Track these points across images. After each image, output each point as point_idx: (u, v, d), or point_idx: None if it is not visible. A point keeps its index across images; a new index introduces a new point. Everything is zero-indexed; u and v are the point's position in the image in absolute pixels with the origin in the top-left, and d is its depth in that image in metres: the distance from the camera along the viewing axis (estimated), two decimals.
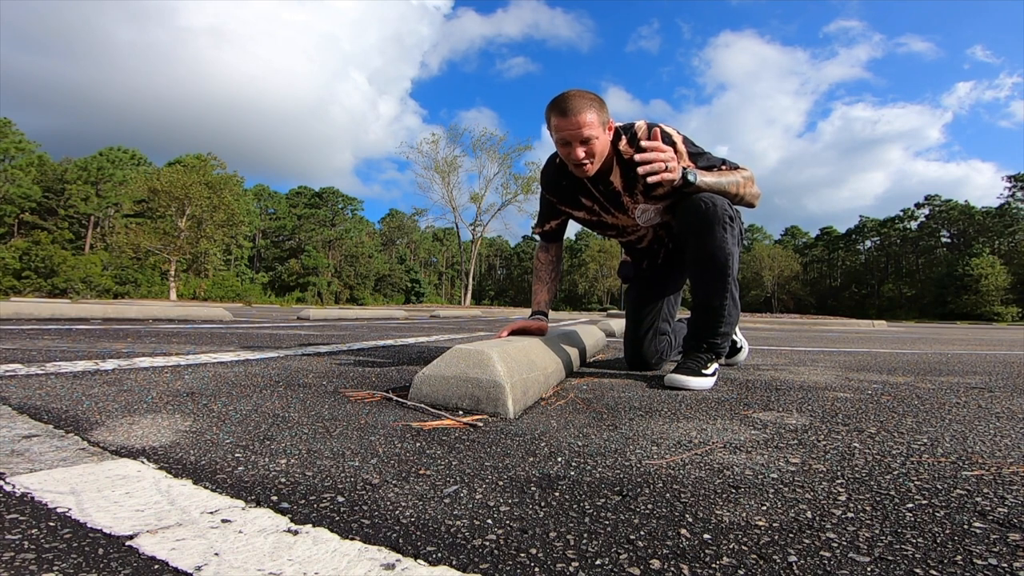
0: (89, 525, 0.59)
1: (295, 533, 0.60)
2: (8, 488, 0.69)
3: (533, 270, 2.14)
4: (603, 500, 0.74)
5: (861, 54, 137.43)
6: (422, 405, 1.32)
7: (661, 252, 2.19)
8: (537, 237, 2.18)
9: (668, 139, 1.76)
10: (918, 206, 64.43)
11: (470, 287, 47.85)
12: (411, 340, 3.82)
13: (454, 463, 0.89)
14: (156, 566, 0.51)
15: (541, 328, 1.93)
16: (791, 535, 0.63)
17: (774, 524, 0.67)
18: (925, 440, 1.13)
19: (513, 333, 1.89)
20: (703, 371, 1.80)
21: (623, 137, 1.78)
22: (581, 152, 1.67)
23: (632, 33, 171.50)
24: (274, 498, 0.70)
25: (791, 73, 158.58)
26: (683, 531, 0.64)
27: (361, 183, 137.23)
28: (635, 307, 2.22)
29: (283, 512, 0.66)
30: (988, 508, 0.73)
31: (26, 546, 0.54)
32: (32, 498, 0.66)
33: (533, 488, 0.78)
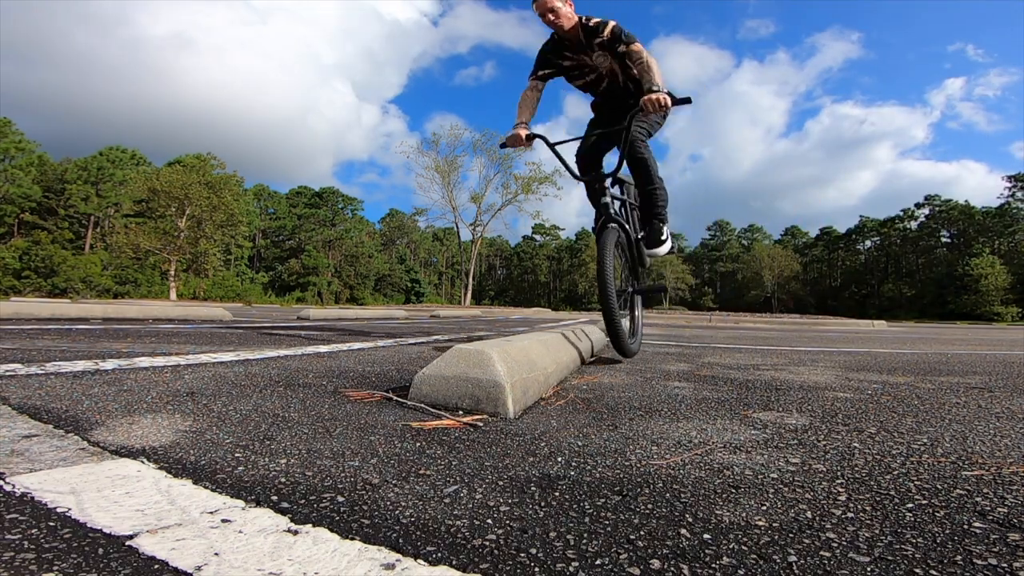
0: (89, 525, 0.59)
1: (295, 533, 0.60)
2: (8, 488, 0.69)
3: (519, 102, 2.74)
4: (603, 500, 0.74)
5: (838, 54, 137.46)
6: (422, 405, 1.32)
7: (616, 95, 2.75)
8: (528, 81, 2.75)
9: (620, 33, 2.43)
10: (918, 206, 64.45)
11: (470, 287, 47.84)
12: (411, 340, 3.82)
13: (454, 463, 0.89)
14: (156, 566, 0.51)
15: (519, 133, 2.59)
16: (791, 535, 0.63)
17: (774, 524, 0.67)
18: (925, 440, 1.13)
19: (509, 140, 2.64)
20: (661, 237, 2.66)
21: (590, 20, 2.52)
22: (550, 16, 2.43)
23: None
24: (274, 498, 0.70)
25: (768, 80, 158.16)
26: (683, 531, 0.64)
27: (340, 184, 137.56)
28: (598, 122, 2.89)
29: (283, 512, 0.66)
30: (988, 508, 0.73)
31: (26, 546, 0.54)
32: (32, 498, 0.66)
33: (533, 488, 0.78)
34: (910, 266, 63.74)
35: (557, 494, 0.76)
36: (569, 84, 2.69)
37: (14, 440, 0.91)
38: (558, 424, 1.21)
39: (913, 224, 65.28)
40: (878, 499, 0.76)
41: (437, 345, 3.44)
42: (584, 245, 74.50)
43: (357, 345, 3.20)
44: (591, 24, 2.45)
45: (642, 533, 0.63)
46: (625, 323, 2.65)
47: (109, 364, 1.92)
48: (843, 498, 0.76)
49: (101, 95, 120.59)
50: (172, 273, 35.03)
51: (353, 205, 67.79)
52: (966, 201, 61.09)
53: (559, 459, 0.93)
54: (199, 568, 0.51)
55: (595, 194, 2.61)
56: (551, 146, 2.56)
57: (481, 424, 1.17)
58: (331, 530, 0.61)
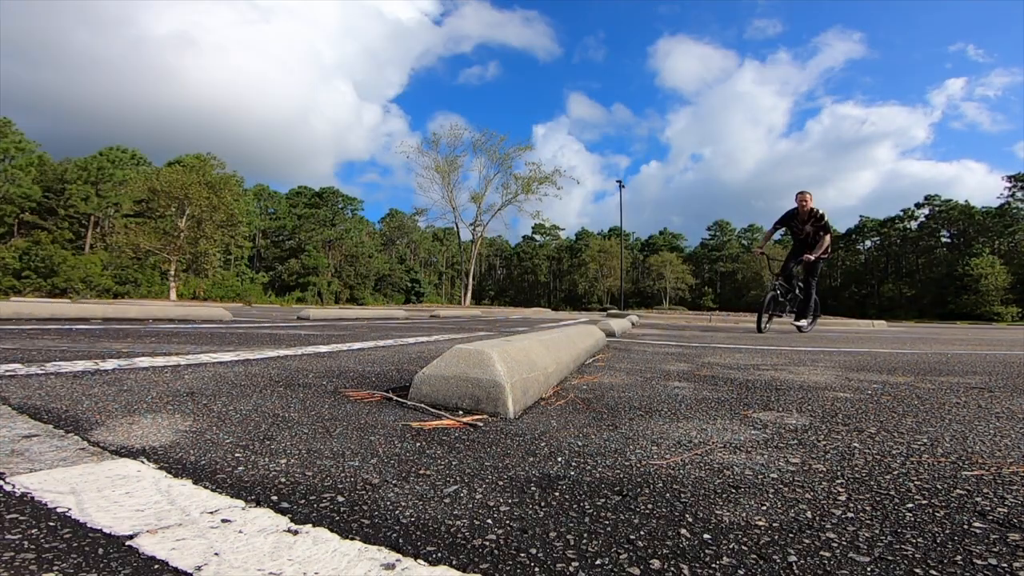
0: (89, 525, 0.59)
1: (295, 533, 0.60)
2: (8, 488, 0.69)
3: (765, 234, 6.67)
4: (603, 500, 0.74)
5: (839, 54, 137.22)
6: (422, 405, 1.32)
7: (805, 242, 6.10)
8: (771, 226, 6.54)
9: (820, 216, 6.35)
10: (918, 206, 64.42)
11: (470, 287, 47.82)
12: (411, 340, 3.82)
13: (454, 463, 0.89)
14: (156, 566, 0.51)
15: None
16: (791, 535, 0.63)
17: (774, 524, 0.67)
18: (925, 440, 1.13)
19: None
20: (805, 316, 6.61)
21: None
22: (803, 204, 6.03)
23: (578, 44, 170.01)
24: (274, 498, 0.70)
25: (769, 80, 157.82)
26: (683, 531, 0.64)
27: (341, 184, 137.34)
28: (793, 253, 6.60)
29: (283, 512, 0.66)
30: (988, 508, 0.73)
31: (26, 546, 0.54)
32: (32, 498, 0.66)
33: (533, 488, 0.78)
34: (910, 266, 63.71)
35: (557, 494, 0.76)
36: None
37: (14, 440, 0.91)
38: (558, 424, 1.21)
39: (913, 224, 65.24)
40: (878, 499, 0.76)
41: (437, 345, 3.44)
42: (584, 245, 74.47)
43: (357, 345, 3.20)
44: (815, 211, 6.24)
45: (642, 533, 0.63)
46: (765, 318, 6.42)
47: (109, 364, 1.92)
48: (843, 498, 0.76)
49: (102, 95, 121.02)
50: (172, 273, 35.02)
51: (353, 205, 67.75)
52: (966, 201, 61.05)
53: (559, 459, 0.93)
54: (199, 568, 0.51)
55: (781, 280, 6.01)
56: (769, 260, 6.84)
57: (481, 424, 1.17)
58: (331, 530, 0.61)
